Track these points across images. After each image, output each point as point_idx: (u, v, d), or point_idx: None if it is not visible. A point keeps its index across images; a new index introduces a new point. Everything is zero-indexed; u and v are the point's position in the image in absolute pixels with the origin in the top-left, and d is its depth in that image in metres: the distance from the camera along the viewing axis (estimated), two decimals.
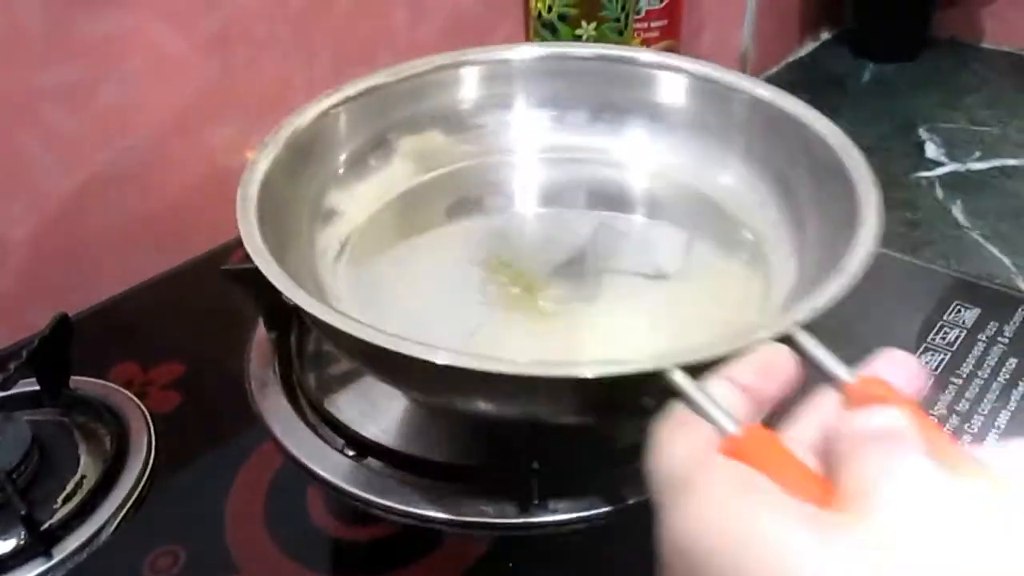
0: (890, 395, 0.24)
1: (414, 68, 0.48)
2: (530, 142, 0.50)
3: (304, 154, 0.44)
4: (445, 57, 0.49)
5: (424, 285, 0.43)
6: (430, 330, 0.35)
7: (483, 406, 0.33)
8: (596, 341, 0.40)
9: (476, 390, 0.32)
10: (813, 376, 0.27)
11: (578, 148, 0.50)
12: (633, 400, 0.30)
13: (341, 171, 0.46)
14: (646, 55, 0.50)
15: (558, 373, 0.29)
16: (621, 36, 0.76)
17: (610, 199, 0.49)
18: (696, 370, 0.27)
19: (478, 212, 0.48)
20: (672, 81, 0.49)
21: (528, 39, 0.81)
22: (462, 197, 0.49)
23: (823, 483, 0.23)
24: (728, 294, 0.42)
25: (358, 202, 0.47)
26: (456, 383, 0.31)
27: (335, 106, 0.46)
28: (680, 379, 0.27)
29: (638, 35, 0.87)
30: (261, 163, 0.41)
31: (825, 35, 1.12)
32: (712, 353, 0.28)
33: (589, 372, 0.28)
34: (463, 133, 0.50)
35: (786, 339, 0.28)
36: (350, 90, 0.47)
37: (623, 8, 0.74)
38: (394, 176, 0.48)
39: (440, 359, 0.29)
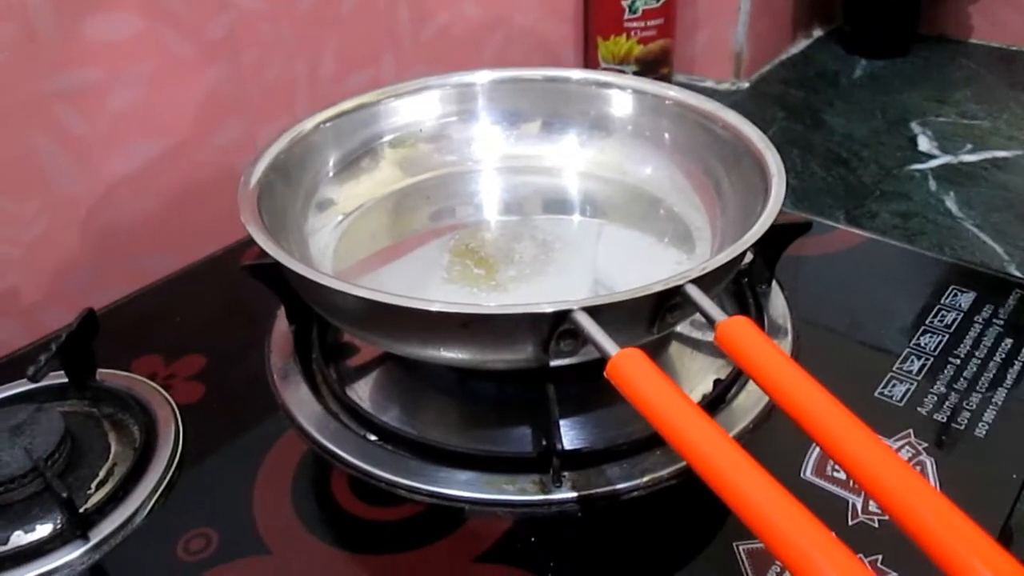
0: (750, 327, 0.33)
1: (395, 89, 0.56)
2: (492, 151, 0.57)
3: (300, 158, 0.50)
4: (420, 82, 0.57)
5: (398, 264, 0.50)
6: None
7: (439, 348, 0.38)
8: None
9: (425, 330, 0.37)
10: None
11: (530, 156, 0.58)
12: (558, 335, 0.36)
13: (332, 173, 0.53)
14: (579, 74, 0.57)
15: (488, 312, 0.36)
16: None
17: (559, 199, 0.56)
18: (595, 311, 0.34)
19: (452, 212, 0.55)
20: (605, 94, 0.56)
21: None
22: (439, 198, 0.55)
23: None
24: (652, 266, 0.49)
25: (349, 196, 0.53)
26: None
27: (329, 119, 0.52)
28: (581, 316, 0.33)
29: (635, 34, 0.89)
30: (259, 166, 0.46)
31: (817, 33, 1.13)
32: (611, 299, 0.35)
33: (510, 311, 0.35)
34: (439, 144, 0.57)
35: (677, 289, 0.35)
36: (342, 106, 0.53)
37: None
38: (382, 178, 0.55)
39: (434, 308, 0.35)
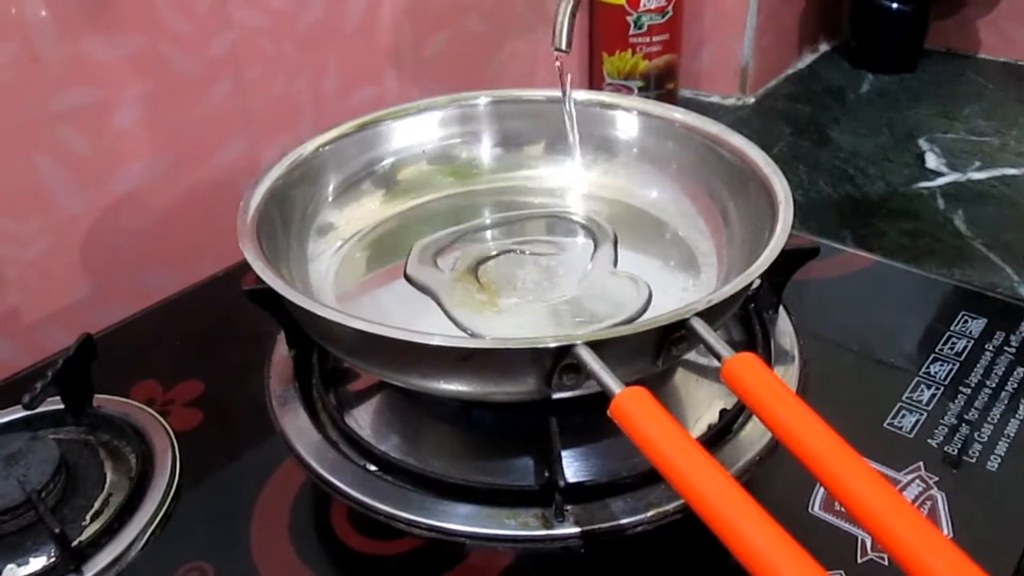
0: (757, 365, 0.33)
1: (396, 111, 0.55)
2: (494, 172, 0.57)
3: (300, 183, 0.50)
4: (422, 103, 0.56)
5: (399, 291, 0.49)
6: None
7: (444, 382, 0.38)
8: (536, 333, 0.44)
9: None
10: None
11: (534, 177, 0.57)
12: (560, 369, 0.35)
13: (332, 197, 0.52)
14: (583, 95, 0.56)
15: (492, 346, 0.37)
16: None
17: (562, 222, 0.55)
18: (598, 345, 0.33)
19: (454, 235, 0.54)
20: (610, 116, 0.55)
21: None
22: (441, 221, 0.55)
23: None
24: (658, 292, 0.47)
25: (350, 220, 0.52)
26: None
27: (329, 142, 0.52)
28: (583, 352, 0.33)
29: (640, 50, 0.88)
30: (258, 191, 0.46)
31: (824, 47, 1.12)
32: (614, 333, 0.35)
33: (511, 345, 0.35)
34: (441, 166, 0.56)
35: (682, 323, 0.35)
36: (342, 129, 0.53)
37: None
38: (383, 201, 0.54)
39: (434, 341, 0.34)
